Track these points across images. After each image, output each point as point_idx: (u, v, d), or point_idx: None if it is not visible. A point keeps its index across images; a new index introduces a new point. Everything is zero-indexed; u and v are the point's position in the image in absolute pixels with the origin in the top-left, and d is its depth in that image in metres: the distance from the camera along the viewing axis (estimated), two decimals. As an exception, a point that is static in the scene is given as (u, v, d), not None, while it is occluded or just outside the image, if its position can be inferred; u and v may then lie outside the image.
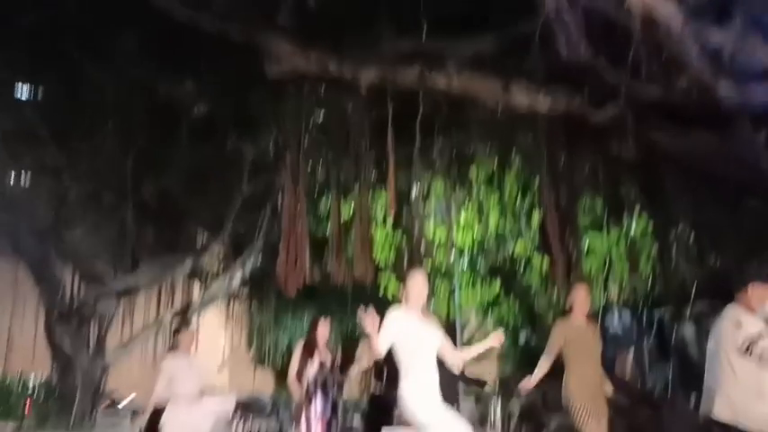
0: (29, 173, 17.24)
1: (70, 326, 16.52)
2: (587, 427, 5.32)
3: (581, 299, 5.76)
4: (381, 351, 4.42)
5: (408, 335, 4.46)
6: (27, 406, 17.25)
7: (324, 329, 6.42)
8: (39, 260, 16.81)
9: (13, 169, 17.06)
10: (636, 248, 12.95)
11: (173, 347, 6.72)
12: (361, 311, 4.36)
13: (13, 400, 17.37)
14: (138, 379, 27.42)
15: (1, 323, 30.07)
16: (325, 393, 6.24)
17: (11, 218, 16.11)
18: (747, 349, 4.15)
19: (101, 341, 17.57)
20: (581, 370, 5.49)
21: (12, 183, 17.46)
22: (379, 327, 4.38)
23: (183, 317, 6.70)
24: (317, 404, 6.17)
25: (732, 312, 4.37)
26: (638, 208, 12.39)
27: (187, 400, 6.21)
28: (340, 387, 6.52)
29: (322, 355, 6.35)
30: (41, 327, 17.46)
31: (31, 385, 17.66)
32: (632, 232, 12.94)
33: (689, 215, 10.59)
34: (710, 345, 4.47)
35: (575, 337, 5.58)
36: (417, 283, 4.66)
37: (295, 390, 6.37)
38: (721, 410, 4.18)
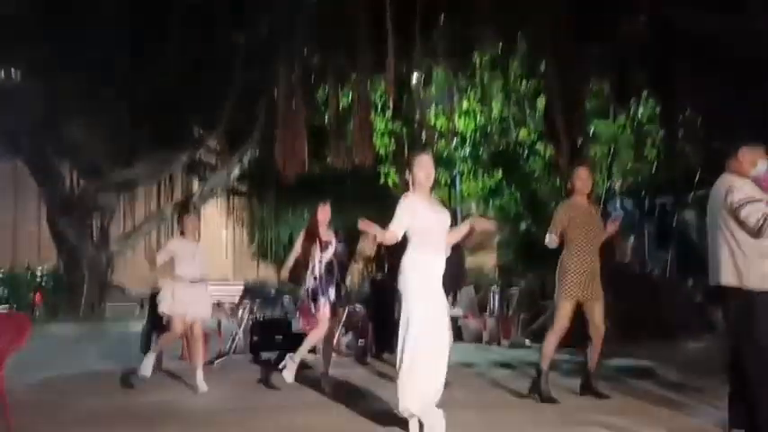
0: (20, 69, 16.86)
1: (72, 218, 16.63)
2: (563, 302, 5.39)
3: (582, 180, 5.68)
4: (398, 234, 4.38)
5: (421, 218, 4.41)
6: (37, 297, 17.67)
7: (323, 214, 6.37)
8: (37, 156, 16.69)
9: (5, 65, 16.65)
10: (642, 134, 12.74)
11: (181, 232, 6.67)
12: (360, 223, 4.38)
13: (23, 291, 17.79)
14: (144, 272, 28.16)
15: (5, 219, 30.50)
16: (329, 277, 6.26)
17: (7, 115, 15.86)
18: (740, 210, 4.12)
19: (104, 233, 17.77)
20: (579, 250, 5.46)
21: (3, 77, 17.12)
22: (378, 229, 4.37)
23: (185, 206, 6.58)
24: (323, 287, 6.20)
25: (724, 179, 4.29)
26: (645, 93, 12.08)
27: (187, 281, 6.20)
28: (342, 273, 6.57)
29: (324, 239, 6.31)
30: (45, 220, 17.59)
31: (39, 277, 17.98)
32: (639, 117, 12.67)
33: (698, 99, 10.32)
34: (708, 217, 4.42)
35: (576, 218, 5.51)
36: (424, 165, 4.54)
37: (295, 274, 6.39)
38: (728, 276, 4.18)
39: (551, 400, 5.27)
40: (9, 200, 29.53)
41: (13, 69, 17.09)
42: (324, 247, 6.28)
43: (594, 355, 5.60)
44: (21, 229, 29.29)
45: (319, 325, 6.16)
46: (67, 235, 16.53)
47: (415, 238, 4.45)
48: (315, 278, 6.25)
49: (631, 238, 12.84)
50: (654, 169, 13.06)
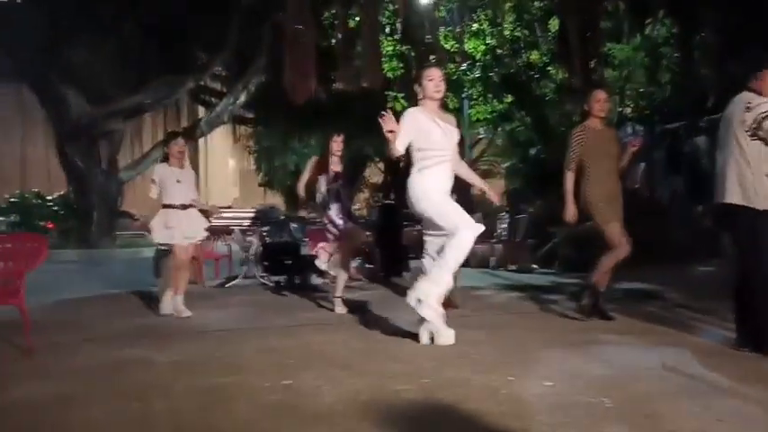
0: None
1: (81, 145, 16.56)
2: (609, 225, 5.24)
3: (600, 103, 5.52)
4: (400, 149, 4.38)
5: (426, 132, 4.41)
6: (48, 224, 17.83)
7: (336, 144, 6.45)
8: (42, 81, 16.49)
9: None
10: (656, 56, 12.45)
11: (164, 159, 6.49)
12: (380, 117, 4.27)
13: (35, 218, 17.94)
14: (153, 199, 28.27)
15: (13, 147, 30.56)
16: (339, 203, 6.36)
17: (9, 36, 15.59)
18: (757, 128, 4.06)
19: (112, 160, 17.75)
20: (599, 173, 5.35)
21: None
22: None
23: (174, 134, 6.38)
24: (333, 212, 6.32)
25: (743, 96, 4.22)
26: (662, 13, 11.74)
27: (178, 207, 6.14)
28: (351, 199, 6.73)
29: (335, 167, 6.42)
30: (53, 148, 17.57)
31: (49, 203, 18.08)
32: (652, 39, 12.35)
33: (716, 19, 10.02)
34: (720, 131, 4.35)
35: (593, 142, 5.38)
36: (433, 78, 4.50)
37: (304, 198, 6.65)
38: (732, 194, 4.16)
39: (605, 316, 5.40)
40: (17, 128, 29.53)
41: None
42: (334, 178, 6.39)
43: (605, 275, 5.53)
44: (30, 157, 29.40)
45: (345, 241, 6.35)
46: (76, 162, 16.51)
47: (419, 153, 4.46)
48: (327, 207, 6.41)
49: (641, 164, 12.73)
50: (667, 93, 12.83)
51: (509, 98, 13.92)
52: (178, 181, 6.19)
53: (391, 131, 4.25)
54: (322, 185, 6.40)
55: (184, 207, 6.21)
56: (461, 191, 5.47)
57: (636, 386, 3.45)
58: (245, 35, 16.08)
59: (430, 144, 4.43)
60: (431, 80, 4.49)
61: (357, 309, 6.36)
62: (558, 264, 10.41)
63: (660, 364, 3.89)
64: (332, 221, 6.36)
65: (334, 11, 14.45)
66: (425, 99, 4.54)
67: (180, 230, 6.13)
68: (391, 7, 14.38)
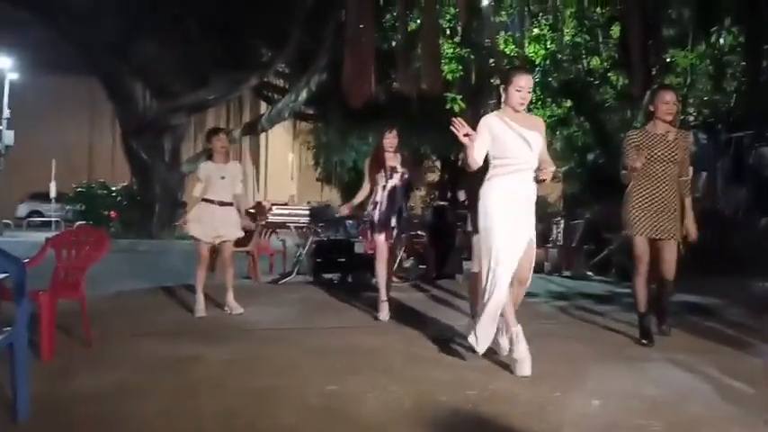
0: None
1: (145, 138, 17.09)
2: (635, 238, 4.92)
3: (667, 105, 4.95)
4: (478, 161, 4.09)
5: (499, 138, 4.10)
6: (112, 214, 18.44)
7: (390, 141, 6.21)
8: (112, 76, 17.08)
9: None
10: (722, 65, 12.06)
11: (209, 156, 6.46)
12: (455, 123, 4.01)
13: (99, 207, 18.58)
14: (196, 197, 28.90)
15: (81, 137, 31.76)
16: (391, 203, 6.12)
17: (82, 31, 16.20)
18: None
19: (175, 153, 18.26)
20: (646, 182, 4.90)
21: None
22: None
23: (216, 131, 6.34)
24: (381, 213, 6.10)
25: None
26: (728, 21, 11.37)
27: (216, 204, 6.07)
28: (406, 197, 6.45)
29: (389, 163, 6.19)
30: (119, 139, 18.16)
31: (113, 194, 18.67)
32: (720, 47, 11.97)
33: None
34: None
35: (647, 146, 4.88)
36: (522, 88, 4.13)
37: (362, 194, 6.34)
38: None
39: (648, 340, 4.95)
40: (85, 119, 30.68)
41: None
42: (389, 174, 6.17)
43: (663, 301, 5.27)
44: (96, 148, 30.50)
45: (377, 253, 6.18)
46: (141, 154, 17.05)
47: (493, 161, 4.18)
48: (375, 204, 6.18)
49: (704, 174, 12.34)
50: (733, 102, 12.42)
51: (568, 103, 13.72)
52: (222, 177, 6.12)
53: (467, 135, 3.98)
54: (380, 184, 6.18)
55: (222, 204, 6.14)
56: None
57: (687, 409, 3.39)
58: (308, 34, 16.32)
59: (503, 151, 4.13)
60: (519, 90, 4.14)
61: (406, 311, 6.40)
62: (613, 272, 10.22)
63: (714, 385, 3.79)
64: (372, 224, 6.15)
65: (395, 13, 14.49)
66: (507, 106, 4.21)
67: (211, 227, 6.08)
68: (452, 10, 14.32)
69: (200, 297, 6.13)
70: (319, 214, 11.09)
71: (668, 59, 12.26)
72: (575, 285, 9.38)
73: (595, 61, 13.52)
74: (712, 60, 12.29)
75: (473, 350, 4.25)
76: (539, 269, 11.10)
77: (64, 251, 4.45)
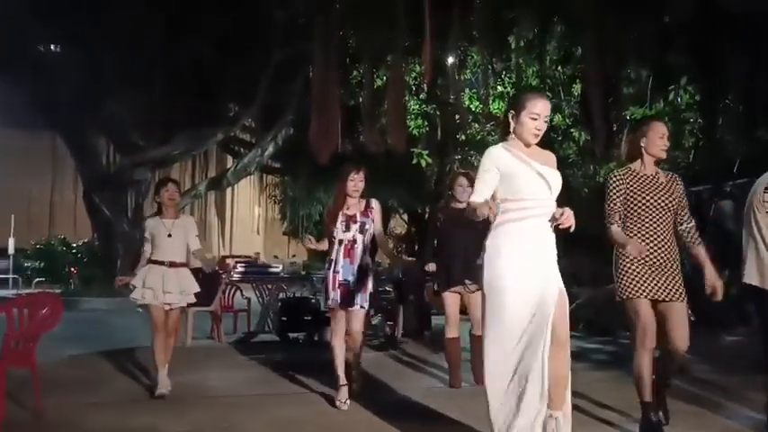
0: (58, 43, 17.07)
1: (108, 193, 16.84)
2: (632, 302, 3.98)
3: (663, 138, 4.13)
4: (477, 203, 3.37)
5: (512, 175, 3.37)
6: (72, 270, 18.01)
7: (356, 182, 5.06)
8: (75, 131, 16.91)
9: (43, 38, 16.85)
10: (680, 122, 12.45)
11: (157, 209, 5.69)
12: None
13: (59, 264, 18.15)
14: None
15: (43, 193, 31.16)
16: (350, 259, 5.02)
17: (46, 88, 16.08)
18: None
19: (138, 209, 17.96)
20: (639, 233, 4.02)
21: (42, 51, 17.36)
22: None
23: (164, 180, 5.71)
24: (338, 268, 5.00)
25: (766, 176, 4.11)
26: (684, 80, 11.79)
27: (165, 265, 5.37)
28: (369, 251, 5.29)
29: (349, 212, 5.09)
30: (80, 195, 17.86)
31: (74, 250, 18.29)
32: (678, 104, 12.37)
33: (741, 83, 10.00)
34: (745, 211, 4.24)
35: (639, 190, 4.07)
36: (539, 116, 3.40)
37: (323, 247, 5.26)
38: (751, 274, 4.02)
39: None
40: (46, 174, 30.14)
41: (51, 44, 17.32)
42: (346, 225, 5.08)
43: (668, 370, 4.34)
44: (57, 203, 29.90)
45: (331, 323, 5.23)
46: (103, 210, 16.76)
47: (503, 204, 3.44)
48: (329, 262, 5.09)
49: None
50: (691, 158, 12.78)
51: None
52: (169, 235, 5.42)
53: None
54: (336, 236, 5.08)
55: (173, 264, 5.42)
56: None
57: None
58: (276, 89, 16.42)
59: (517, 192, 3.39)
60: (534, 119, 3.40)
61: (375, 374, 6.24)
62: (581, 327, 10.21)
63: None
64: (326, 289, 5.06)
65: (361, 70, 14.71)
66: (517, 137, 3.48)
67: (159, 291, 5.31)
68: (417, 68, 14.60)
69: (163, 373, 5.28)
70: (284, 270, 10.94)
71: (628, 116, 12.61)
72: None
73: (558, 118, 13.85)
74: (670, 117, 12.67)
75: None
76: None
77: (15, 318, 4.26)
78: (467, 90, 14.89)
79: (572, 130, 13.53)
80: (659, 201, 4.07)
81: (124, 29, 14.73)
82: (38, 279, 18.86)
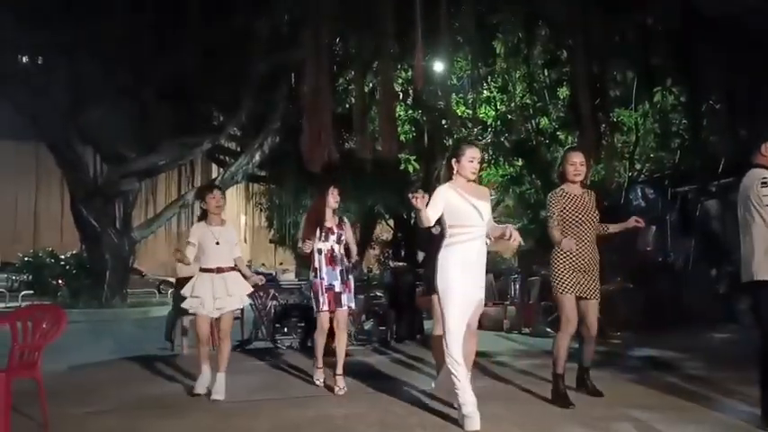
0: (44, 54, 17.00)
1: (96, 204, 16.76)
2: (563, 297, 4.99)
3: (575, 165, 5.14)
4: (431, 218, 4.44)
5: (456, 209, 4.44)
6: (60, 282, 17.88)
7: (335, 196, 5.86)
8: (61, 142, 16.82)
9: (30, 49, 16.78)
10: (666, 122, 12.64)
11: (202, 216, 5.81)
12: (410, 196, 4.42)
13: (47, 276, 18.00)
14: (163, 257, 28.60)
15: (28, 204, 31.00)
16: (332, 264, 5.74)
17: (30, 99, 16.00)
18: None
19: (126, 219, 17.90)
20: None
21: (28, 62, 17.29)
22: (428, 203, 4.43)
23: (208, 186, 6.02)
24: (323, 275, 5.70)
25: (754, 173, 4.24)
26: (670, 81, 11.97)
27: (213, 272, 5.48)
28: (349, 259, 5.94)
29: (327, 226, 5.79)
30: (67, 206, 17.75)
31: (62, 262, 18.15)
32: (662, 106, 12.56)
33: (724, 85, 10.19)
34: (740, 211, 4.35)
35: (568, 208, 5.06)
36: (474, 158, 4.52)
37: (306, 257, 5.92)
38: (762, 270, 4.13)
39: (566, 405, 4.88)
40: (31, 185, 30.01)
41: (36, 55, 17.25)
42: (325, 236, 5.79)
43: (587, 354, 5.34)
44: (43, 215, 29.74)
45: (317, 323, 5.82)
46: (90, 221, 16.67)
47: (449, 229, 4.50)
48: (314, 270, 5.79)
49: (653, 228, 12.73)
50: (677, 158, 12.96)
51: (520, 162, 14.11)
52: (217, 243, 5.53)
53: (415, 199, 4.35)
54: (316, 247, 5.74)
55: (220, 270, 5.53)
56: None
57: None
58: (261, 97, 16.46)
59: (459, 221, 4.45)
60: (471, 161, 4.51)
61: (373, 376, 6.30)
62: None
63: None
64: (316, 294, 5.74)
65: (348, 77, 14.80)
66: (459, 176, 4.53)
67: (208, 300, 5.46)
68: (404, 74, 14.70)
69: (206, 371, 5.55)
70: (276, 277, 10.96)
71: (615, 119, 12.78)
72: (535, 343, 9.41)
73: (545, 121, 13.99)
74: (656, 118, 12.85)
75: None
76: (498, 327, 11.14)
77: (20, 329, 4.28)
78: (453, 95, 15.01)
79: (558, 132, 13.66)
80: (586, 217, 5.11)
81: (109, 40, 14.72)
82: (25, 292, 18.69)
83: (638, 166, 13.53)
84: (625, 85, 12.74)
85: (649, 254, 12.41)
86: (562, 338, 5.09)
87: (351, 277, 5.91)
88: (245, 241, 39.68)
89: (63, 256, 18.47)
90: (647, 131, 13.00)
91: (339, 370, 5.74)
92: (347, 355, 6.05)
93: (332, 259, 5.77)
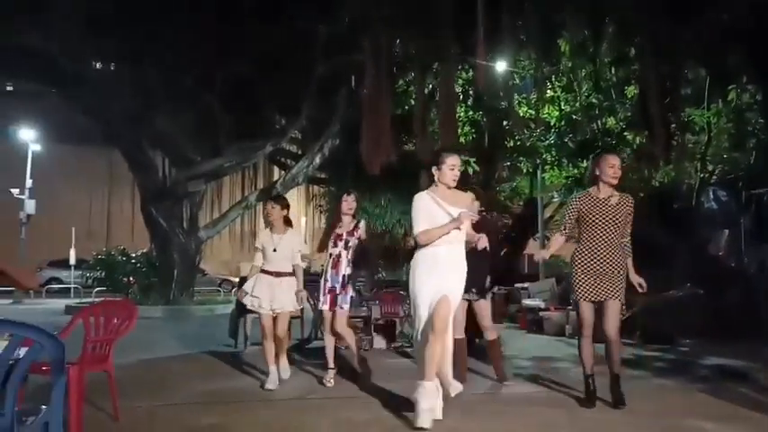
0: (113, 62, 17.67)
1: (164, 205, 17.30)
2: (580, 304, 5.05)
3: (613, 168, 5.01)
4: (417, 232, 4.60)
5: (431, 215, 4.56)
6: (131, 280, 18.48)
7: (348, 203, 6.15)
8: (131, 146, 17.45)
9: (100, 57, 17.46)
10: (741, 122, 12.12)
11: (266, 223, 6.42)
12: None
13: (118, 274, 18.64)
14: (225, 256, 29.25)
15: (100, 205, 32.32)
16: (336, 269, 6.07)
17: (102, 106, 16.63)
18: None
19: (193, 219, 18.43)
20: (588, 248, 5.01)
21: (100, 69, 18.00)
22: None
23: (268, 193, 6.39)
24: (327, 276, 6.10)
25: None
26: (744, 79, 11.46)
27: (271, 274, 5.95)
28: (353, 263, 6.17)
29: (339, 230, 6.16)
30: (138, 207, 18.37)
31: (132, 260, 18.76)
32: (736, 105, 12.04)
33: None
34: None
35: (589, 211, 5.00)
36: (455, 166, 4.61)
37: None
38: None
39: (587, 405, 5.07)
40: (104, 187, 31.27)
41: (106, 62, 17.95)
42: (334, 242, 6.14)
43: (612, 360, 5.17)
44: (115, 215, 30.90)
45: (325, 322, 6.24)
46: (160, 221, 17.22)
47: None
48: (322, 272, 6.23)
49: (725, 232, 12.24)
50: (752, 159, 12.42)
51: (584, 163, 13.80)
52: (274, 249, 5.98)
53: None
54: (329, 246, 6.18)
55: (279, 275, 5.98)
56: (475, 263, 5.10)
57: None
58: (320, 101, 16.67)
59: (432, 227, 4.55)
60: (452, 169, 4.60)
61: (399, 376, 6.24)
62: (638, 334, 10.02)
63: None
64: (319, 294, 6.27)
65: (408, 78, 14.79)
66: (440, 183, 4.63)
67: (265, 299, 5.92)
68: (464, 75, 14.58)
69: (273, 369, 5.98)
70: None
71: (686, 118, 12.34)
72: (599, 348, 9.15)
73: (611, 121, 13.62)
74: (730, 118, 12.34)
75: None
76: (560, 332, 10.88)
77: (92, 324, 4.44)
78: (515, 95, 14.82)
79: (626, 133, 13.28)
80: (605, 219, 5.00)
81: (174, 47, 15.15)
82: (98, 288, 19.41)
83: (710, 167, 13.03)
84: (697, 83, 12.28)
85: (721, 259, 11.95)
86: (582, 342, 5.21)
87: (350, 283, 6.15)
88: (306, 242, 40.11)
89: (134, 255, 19.07)
90: (719, 131, 12.49)
91: (331, 363, 6.20)
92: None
93: (337, 264, 6.11)
